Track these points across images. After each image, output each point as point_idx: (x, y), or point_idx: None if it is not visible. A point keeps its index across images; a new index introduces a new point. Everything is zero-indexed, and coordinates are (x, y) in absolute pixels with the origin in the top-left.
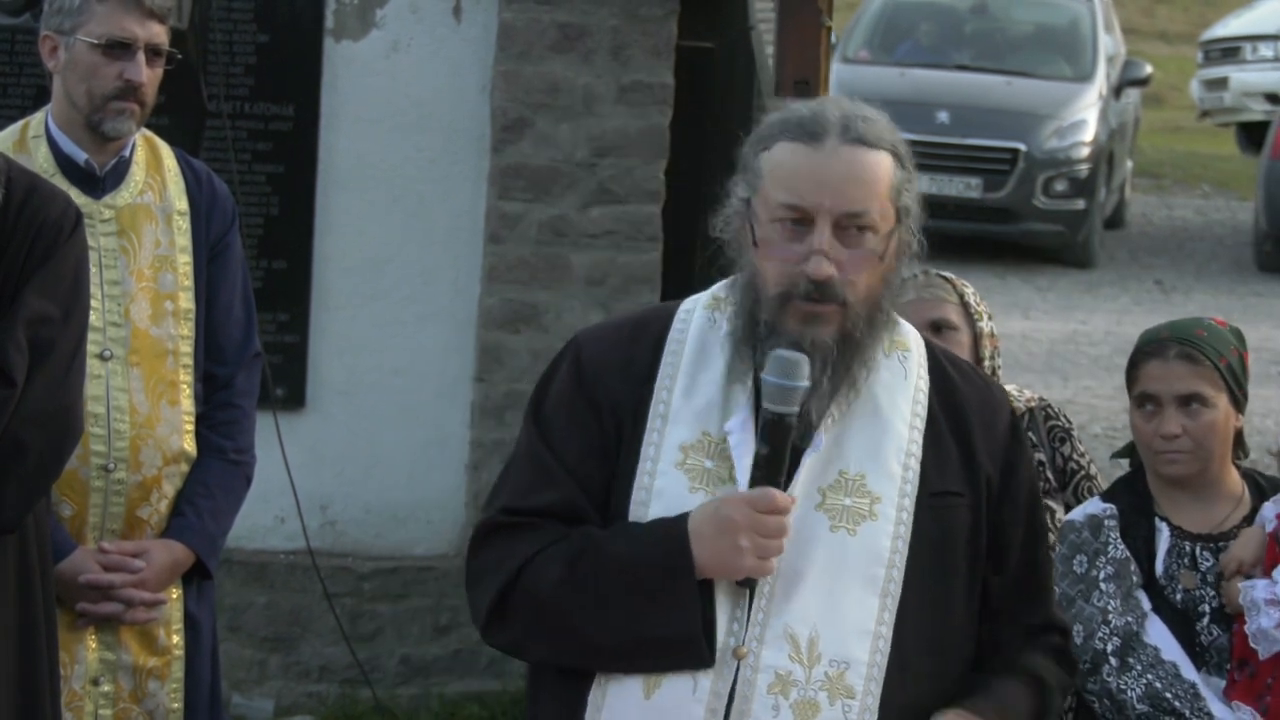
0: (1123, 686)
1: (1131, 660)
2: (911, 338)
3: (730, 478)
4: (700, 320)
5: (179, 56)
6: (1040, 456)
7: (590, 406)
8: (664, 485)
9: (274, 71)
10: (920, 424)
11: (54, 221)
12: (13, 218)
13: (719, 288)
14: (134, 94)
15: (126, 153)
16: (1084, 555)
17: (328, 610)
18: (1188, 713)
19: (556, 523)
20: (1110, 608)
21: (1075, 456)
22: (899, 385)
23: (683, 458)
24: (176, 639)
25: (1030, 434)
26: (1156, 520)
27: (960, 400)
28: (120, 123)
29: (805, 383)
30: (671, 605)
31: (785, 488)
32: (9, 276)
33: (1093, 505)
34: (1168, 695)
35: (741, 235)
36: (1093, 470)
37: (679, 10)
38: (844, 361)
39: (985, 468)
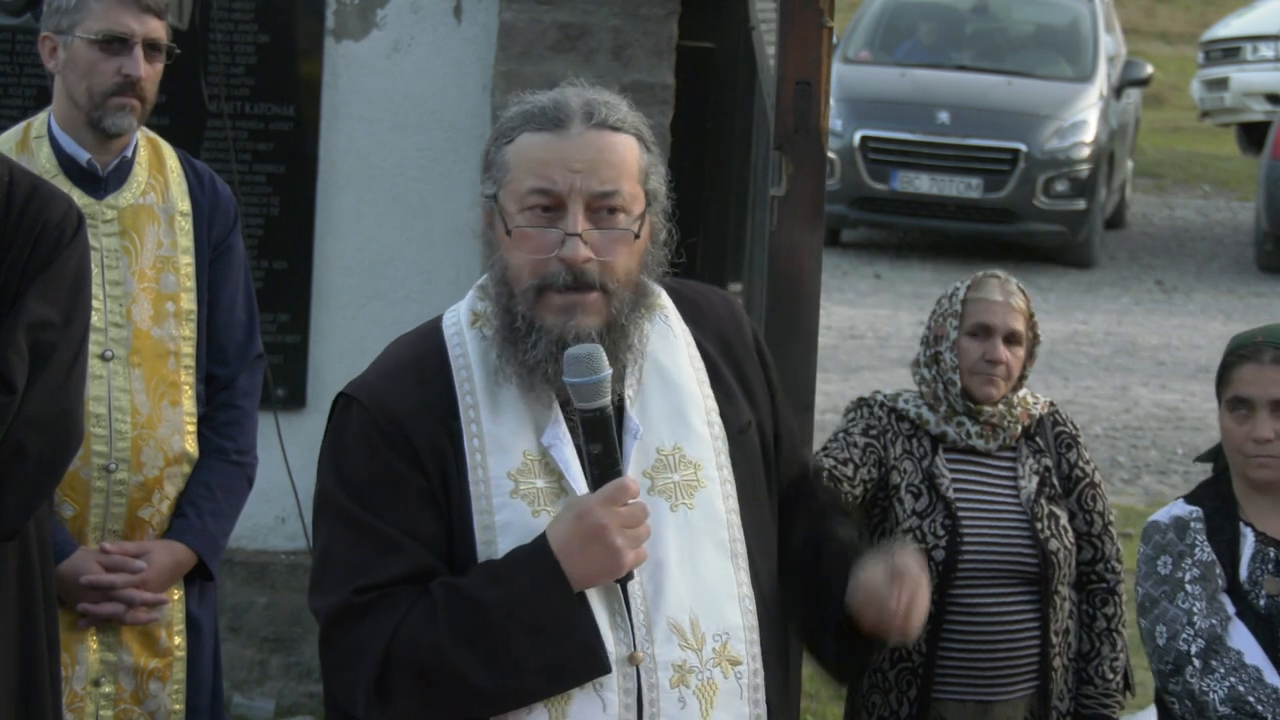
0: (1205, 689)
1: (1215, 663)
2: (662, 295)
3: (564, 489)
4: (474, 344)
5: (178, 51)
6: (1046, 462)
7: (405, 459)
8: (506, 518)
9: (275, 71)
10: (704, 374)
11: (56, 224)
12: (14, 220)
13: (473, 299)
14: (133, 89)
15: (129, 153)
16: (1169, 557)
17: None
18: (1270, 717)
19: (409, 588)
20: (1195, 610)
21: (1081, 464)
22: (673, 346)
23: (514, 485)
24: (178, 640)
25: (1038, 438)
26: (1241, 525)
27: (715, 327)
28: (120, 118)
29: (607, 371)
30: (563, 630)
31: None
32: (10, 280)
33: (1178, 507)
34: (1250, 699)
35: (489, 233)
36: (1097, 478)
37: (680, 10)
38: (612, 347)
39: (754, 382)
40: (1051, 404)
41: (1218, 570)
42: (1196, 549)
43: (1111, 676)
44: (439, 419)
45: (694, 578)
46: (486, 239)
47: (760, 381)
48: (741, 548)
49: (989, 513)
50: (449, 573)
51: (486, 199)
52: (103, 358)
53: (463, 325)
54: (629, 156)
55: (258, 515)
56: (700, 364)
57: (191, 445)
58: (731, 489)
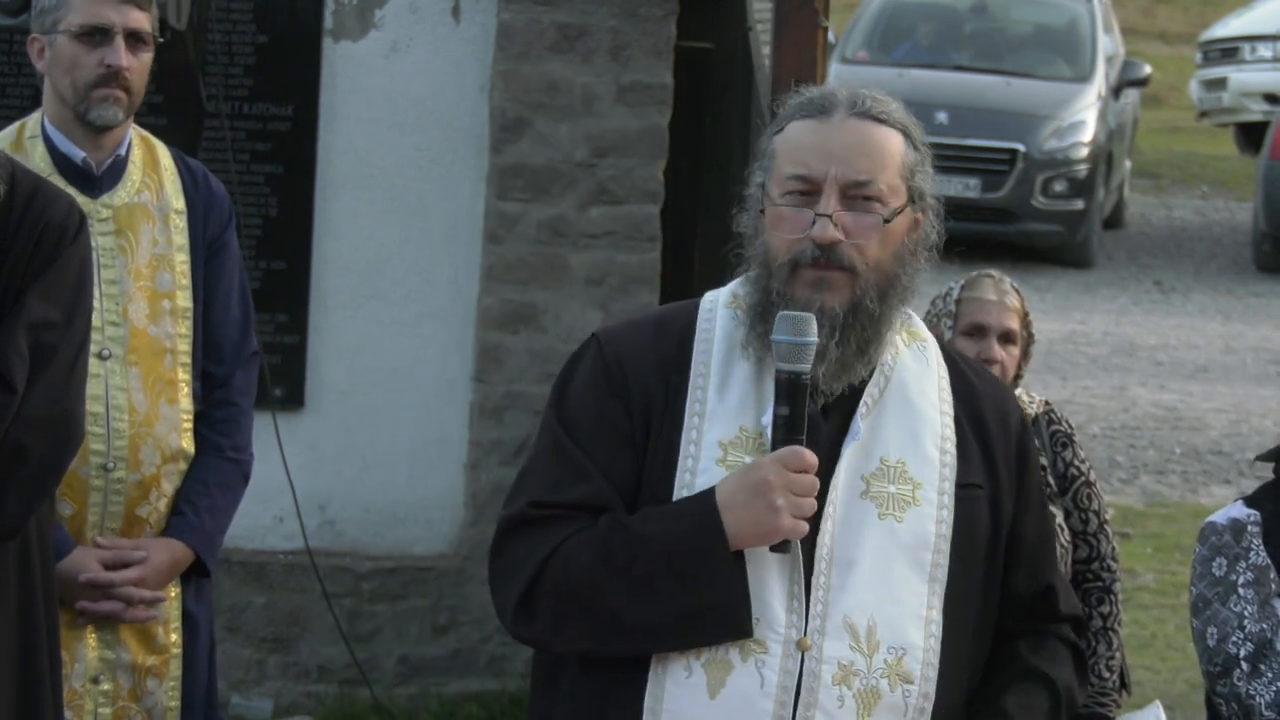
0: (1252, 692)
1: (1263, 667)
2: (926, 331)
3: None
4: (725, 319)
5: (161, 41)
6: (1041, 460)
7: (619, 399)
8: (705, 482)
9: (273, 72)
10: (950, 411)
11: (58, 224)
12: (16, 219)
13: (737, 284)
14: (116, 79)
15: (123, 152)
16: (1223, 559)
17: (326, 610)
18: None
19: (585, 515)
20: (1246, 613)
21: (1076, 462)
22: (925, 373)
23: (723, 454)
24: (175, 637)
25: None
26: None
27: (976, 395)
28: (106, 109)
29: (814, 338)
30: (709, 577)
31: (823, 470)
32: (12, 279)
33: (1236, 509)
34: None
35: (757, 219)
36: (1092, 477)
37: (678, 11)
38: (854, 328)
39: (1000, 464)
40: (1047, 403)
41: (1272, 575)
42: (1251, 552)
43: (1108, 675)
44: (662, 369)
45: (883, 587)
46: (754, 225)
47: (1008, 470)
48: (942, 574)
49: None
50: (628, 513)
51: (755, 187)
52: (100, 356)
53: (719, 303)
54: (891, 149)
55: (256, 515)
56: (949, 400)
57: (188, 443)
58: (948, 517)
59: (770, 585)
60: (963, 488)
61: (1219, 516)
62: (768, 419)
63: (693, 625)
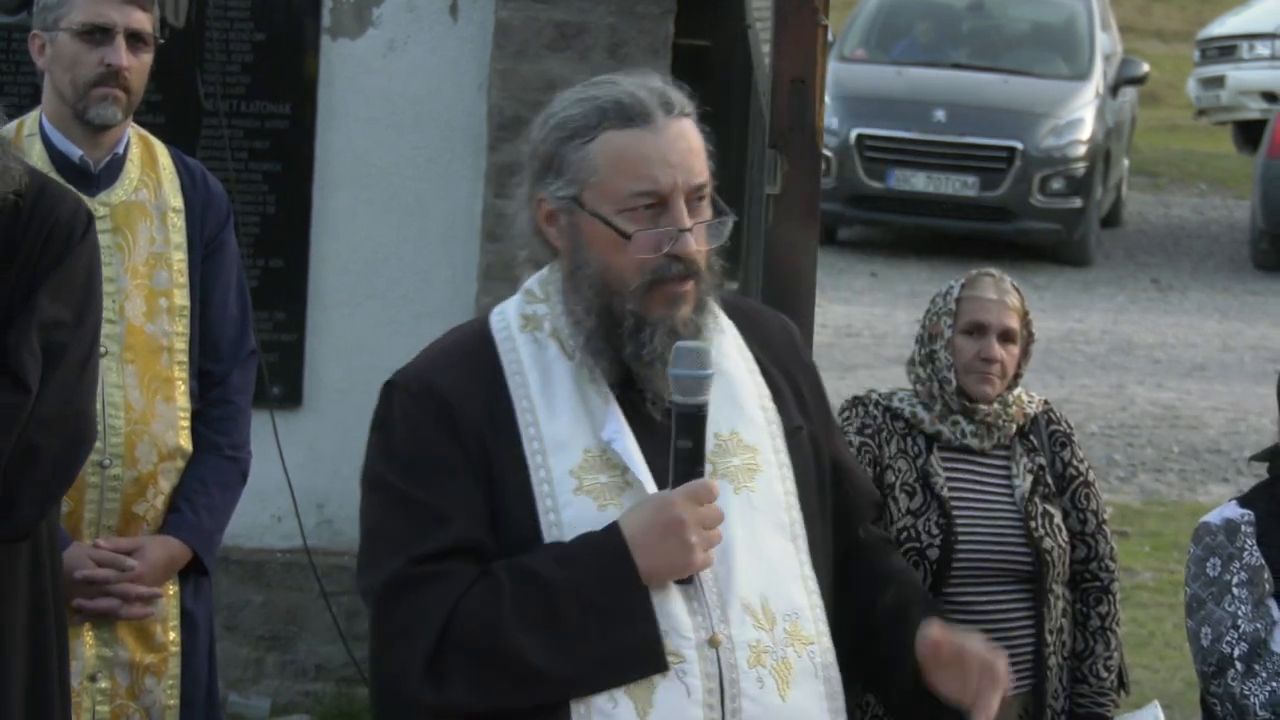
0: (1246, 692)
1: (1257, 667)
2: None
3: (628, 483)
4: (525, 344)
5: (161, 41)
6: (1040, 460)
7: (451, 436)
8: (573, 515)
9: (270, 70)
10: (755, 365)
11: (66, 223)
12: (24, 219)
13: (522, 304)
14: (116, 79)
15: (121, 150)
16: (1218, 559)
17: (324, 609)
18: None
19: (463, 563)
20: (1240, 613)
21: (1075, 462)
22: (724, 338)
23: (577, 483)
24: (173, 635)
25: (1032, 437)
26: None
27: (766, 333)
28: (105, 108)
29: (712, 370)
30: (626, 620)
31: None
32: (20, 279)
33: (1230, 509)
34: None
35: (572, 235)
36: (1091, 477)
37: (676, 8)
38: (700, 330)
39: (806, 391)
40: (1046, 402)
41: (1266, 575)
42: (1245, 552)
43: (1106, 675)
44: (484, 401)
45: (760, 559)
46: (541, 239)
47: (814, 395)
48: (801, 529)
49: (983, 511)
50: (497, 547)
51: (563, 200)
52: None
53: (513, 330)
54: (700, 142)
55: (254, 514)
56: (750, 358)
57: (185, 440)
58: (789, 473)
59: (669, 595)
60: (790, 436)
61: (1213, 516)
62: (607, 434)
63: (613, 667)
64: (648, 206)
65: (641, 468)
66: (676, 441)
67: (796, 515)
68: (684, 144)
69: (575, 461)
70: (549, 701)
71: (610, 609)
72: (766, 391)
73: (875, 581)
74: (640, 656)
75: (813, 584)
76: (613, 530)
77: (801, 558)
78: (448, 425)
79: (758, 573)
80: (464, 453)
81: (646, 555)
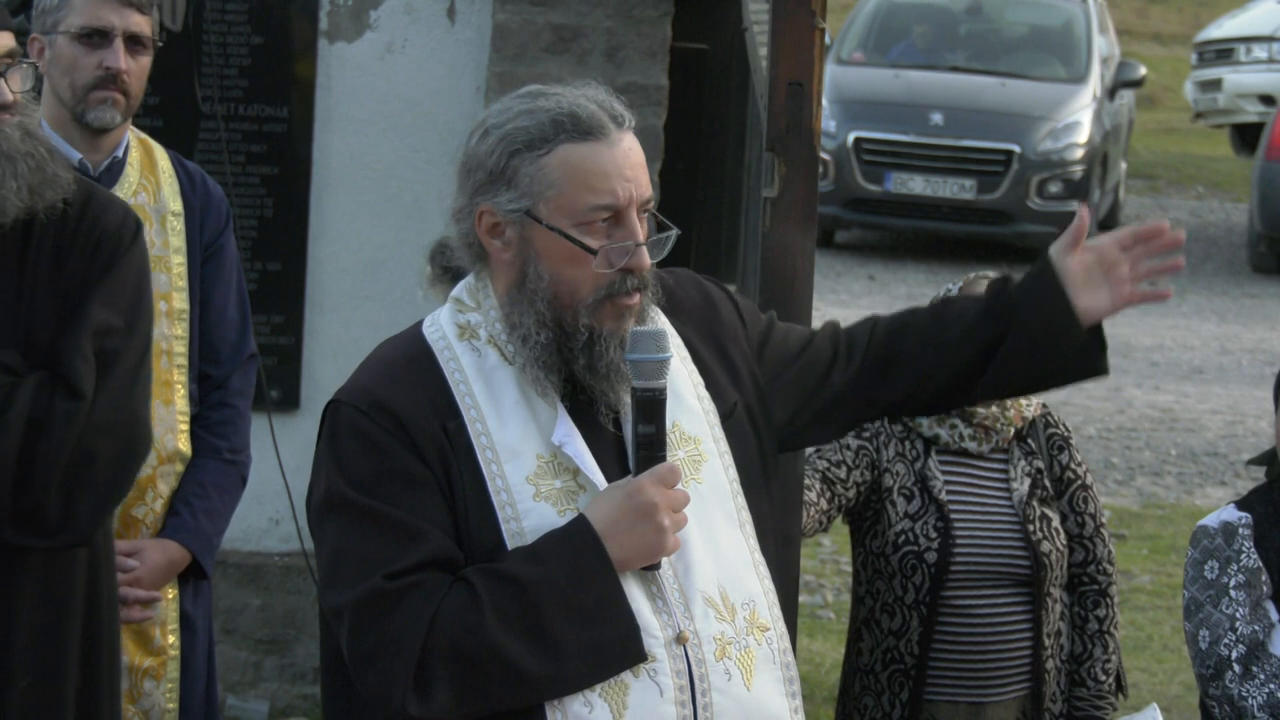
0: (1244, 694)
1: (1255, 669)
2: None
3: (580, 486)
4: (466, 354)
5: (160, 44)
6: (1038, 464)
7: (409, 449)
8: (534, 522)
9: (268, 73)
10: (684, 347)
11: (114, 230)
12: (72, 226)
13: (454, 316)
14: (114, 82)
15: (120, 153)
16: (1215, 561)
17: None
18: None
19: (439, 575)
20: (1238, 615)
21: (1073, 465)
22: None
23: (535, 490)
24: (172, 639)
25: (1030, 440)
26: None
27: (687, 310)
28: (103, 112)
29: (671, 353)
30: (606, 610)
31: (622, 469)
32: (70, 288)
33: (1228, 512)
34: None
35: (521, 248)
36: (1089, 480)
37: (673, 12)
38: None
39: (734, 353)
40: (1044, 406)
41: (1263, 577)
42: (1243, 555)
43: (1104, 678)
44: (436, 416)
45: (715, 550)
46: (474, 250)
47: (748, 346)
48: (746, 515)
49: (981, 515)
50: (467, 564)
51: (514, 214)
52: None
53: (450, 338)
54: (642, 155)
55: (251, 517)
56: (681, 344)
57: (184, 444)
58: (730, 460)
59: (634, 595)
60: (726, 420)
61: (1211, 520)
62: (557, 438)
63: (595, 662)
64: (603, 220)
65: (594, 469)
66: (639, 427)
67: (742, 502)
68: (635, 157)
69: (530, 469)
70: (533, 703)
71: (590, 602)
72: (700, 379)
73: (926, 328)
74: (621, 649)
75: (763, 569)
76: (580, 523)
77: (750, 544)
78: (404, 439)
79: (714, 564)
80: (424, 465)
81: (618, 543)
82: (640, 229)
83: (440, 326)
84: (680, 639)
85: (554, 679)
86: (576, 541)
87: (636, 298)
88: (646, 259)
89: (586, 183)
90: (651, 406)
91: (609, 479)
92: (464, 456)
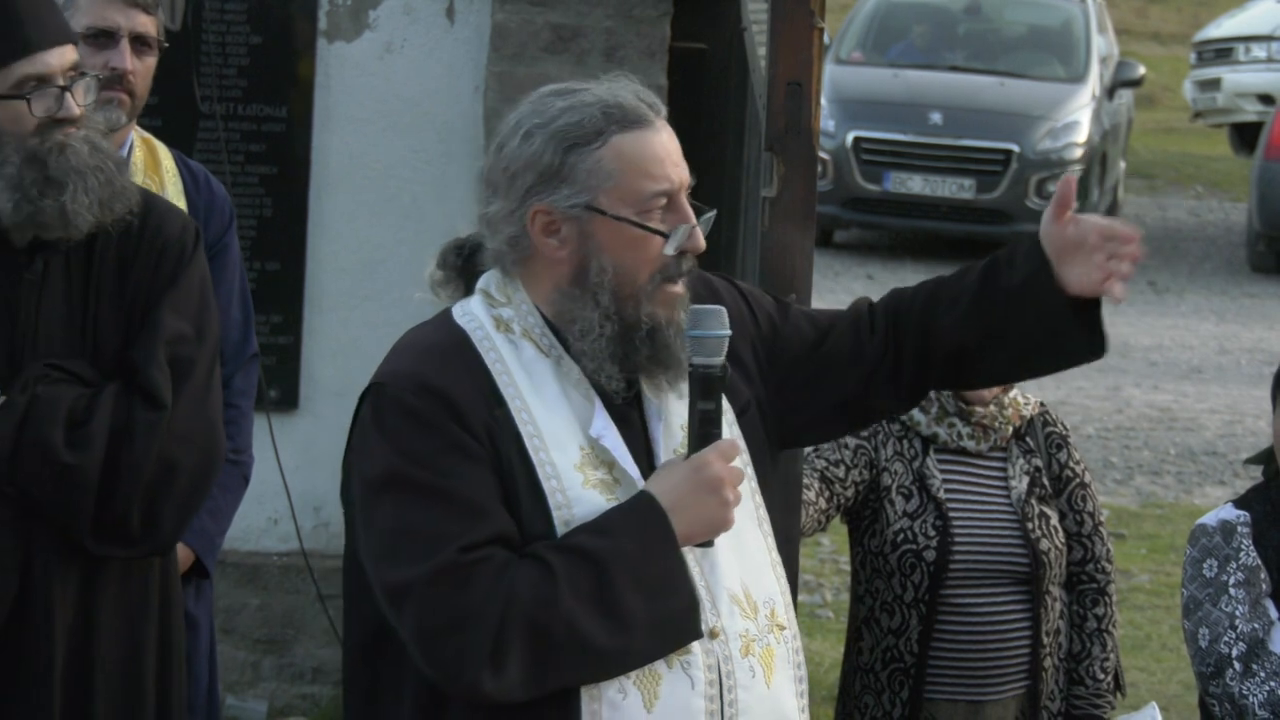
0: (1245, 692)
1: (1255, 667)
2: None
3: (616, 479)
4: (505, 346)
5: (166, 45)
6: (1036, 462)
7: (462, 427)
8: (584, 510)
9: (267, 73)
10: None
11: (177, 240)
12: (135, 238)
13: (487, 309)
14: (120, 82)
15: (124, 153)
16: (1214, 560)
17: (321, 612)
18: None
19: (505, 552)
20: (1238, 614)
21: (1071, 464)
22: None
23: (583, 478)
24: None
25: (1028, 439)
26: None
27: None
28: (109, 112)
29: (730, 331)
30: (672, 584)
31: (647, 469)
32: (136, 299)
33: (1226, 511)
34: None
35: (581, 243)
36: (1087, 479)
37: (672, 11)
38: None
39: (745, 354)
40: (1042, 404)
41: (1262, 575)
42: (1241, 553)
43: (1102, 677)
44: (484, 401)
45: (739, 548)
46: (538, 250)
47: (751, 348)
48: (764, 514)
49: (980, 513)
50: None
51: (575, 209)
52: None
53: (488, 329)
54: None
55: (251, 517)
56: None
57: None
58: (748, 457)
59: None
60: (741, 416)
61: (1209, 518)
62: (595, 430)
63: (661, 636)
64: (662, 208)
65: (630, 462)
66: (697, 403)
67: (760, 500)
68: (675, 143)
69: (575, 458)
70: (600, 679)
71: (657, 576)
72: None
73: (947, 295)
74: (682, 624)
75: (780, 569)
76: (644, 497)
77: (769, 543)
78: (457, 420)
79: (737, 563)
80: (479, 444)
81: (683, 517)
82: (691, 212)
83: (476, 316)
84: (712, 634)
85: (624, 652)
86: (644, 515)
87: (680, 285)
88: (702, 239)
89: (644, 170)
90: (711, 383)
91: (645, 473)
92: (512, 443)
